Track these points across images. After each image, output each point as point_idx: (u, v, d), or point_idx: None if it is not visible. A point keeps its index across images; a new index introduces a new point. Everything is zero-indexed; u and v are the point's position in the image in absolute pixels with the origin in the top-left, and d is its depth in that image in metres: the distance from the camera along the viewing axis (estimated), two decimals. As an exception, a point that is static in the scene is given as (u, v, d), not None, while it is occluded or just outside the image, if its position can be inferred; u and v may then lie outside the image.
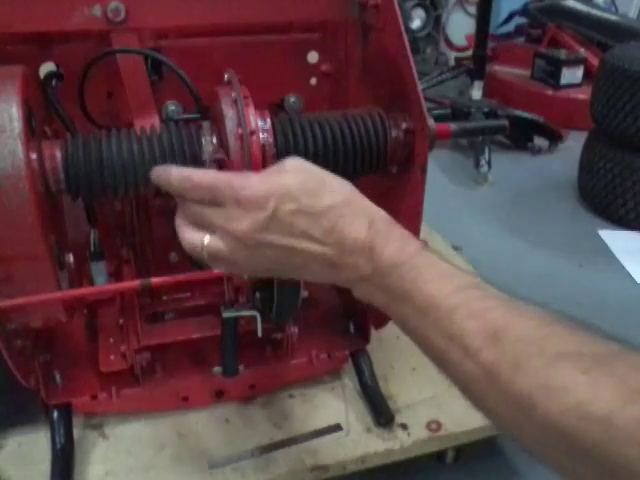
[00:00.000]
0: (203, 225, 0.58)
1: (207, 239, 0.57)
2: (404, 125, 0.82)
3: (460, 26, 3.65)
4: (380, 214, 0.58)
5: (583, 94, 2.61)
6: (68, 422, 0.95)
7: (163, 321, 1.05)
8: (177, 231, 0.61)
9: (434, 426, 1.01)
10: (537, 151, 2.59)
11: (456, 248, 1.56)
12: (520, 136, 2.57)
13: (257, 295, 0.89)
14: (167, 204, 0.89)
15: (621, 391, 0.39)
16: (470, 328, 0.48)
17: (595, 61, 2.67)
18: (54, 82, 0.84)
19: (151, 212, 0.97)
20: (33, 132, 0.70)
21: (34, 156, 0.68)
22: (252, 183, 0.56)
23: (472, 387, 0.49)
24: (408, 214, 0.86)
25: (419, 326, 0.53)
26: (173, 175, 0.59)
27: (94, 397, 0.97)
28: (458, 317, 0.49)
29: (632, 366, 0.41)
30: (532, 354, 0.44)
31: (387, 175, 0.87)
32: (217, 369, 0.92)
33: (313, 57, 0.98)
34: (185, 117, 0.86)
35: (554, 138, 2.58)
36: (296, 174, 0.57)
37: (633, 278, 1.78)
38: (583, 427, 0.39)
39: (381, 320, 1.01)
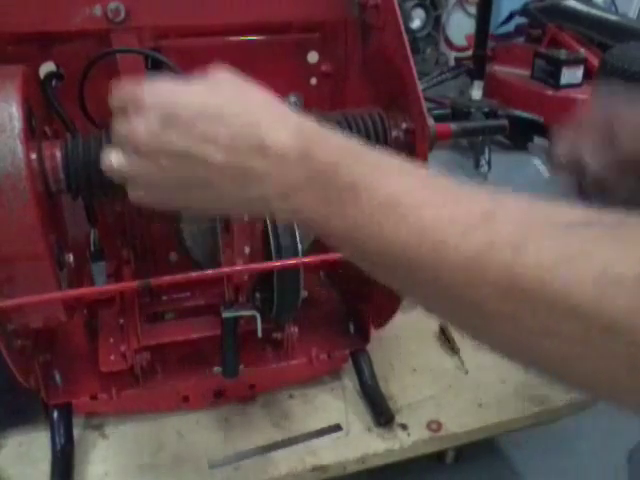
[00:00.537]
0: (118, 145, 0.50)
1: (114, 157, 0.50)
2: (404, 125, 0.82)
3: (460, 26, 3.65)
4: (311, 124, 0.47)
5: (583, 94, 2.61)
6: (68, 422, 0.95)
7: (163, 321, 1.05)
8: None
9: (434, 426, 1.01)
10: (537, 151, 2.59)
11: (456, 248, 1.56)
12: (520, 136, 2.57)
13: (257, 295, 0.89)
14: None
15: None
16: (446, 217, 0.39)
17: (595, 61, 2.67)
18: (54, 82, 0.84)
19: (151, 213, 0.97)
20: (33, 132, 0.70)
21: (34, 156, 0.68)
22: (156, 85, 0.48)
23: (446, 293, 0.39)
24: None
25: (373, 233, 0.41)
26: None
27: (94, 397, 0.97)
28: (430, 210, 0.39)
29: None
30: (535, 231, 0.36)
31: (387, 175, 0.87)
32: (217, 369, 0.92)
33: (313, 57, 0.98)
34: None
35: (554, 138, 2.58)
36: (211, 81, 0.48)
37: (633, 278, 1.78)
38: (612, 293, 0.32)
39: (381, 320, 1.01)
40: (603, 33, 2.94)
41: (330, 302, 1.15)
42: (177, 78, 0.49)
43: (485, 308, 0.37)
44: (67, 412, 0.95)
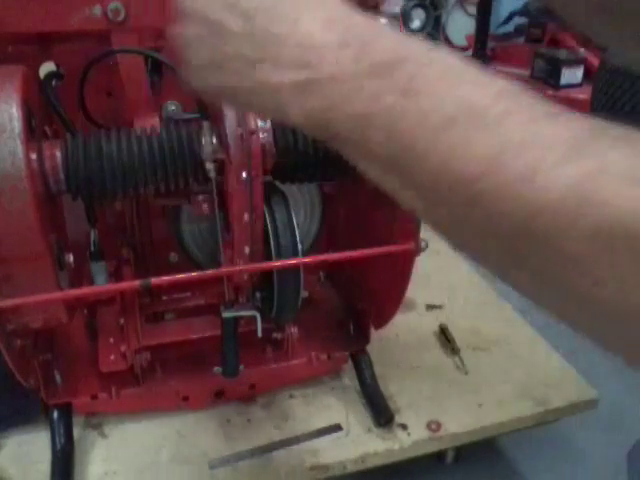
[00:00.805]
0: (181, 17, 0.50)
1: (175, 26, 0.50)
2: (404, 125, 0.82)
3: (460, 26, 3.64)
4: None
5: (583, 94, 2.61)
6: (68, 422, 0.95)
7: (163, 321, 1.05)
8: None
9: (434, 426, 1.01)
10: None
11: (456, 248, 1.56)
12: (520, 136, 2.56)
13: (257, 295, 0.89)
14: (167, 204, 0.90)
15: None
16: (544, 133, 0.32)
17: (595, 61, 2.67)
18: (54, 82, 0.84)
19: (151, 212, 0.97)
20: (33, 132, 0.70)
21: (34, 156, 0.68)
22: None
23: (545, 215, 0.31)
24: (408, 214, 0.86)
25: (442, 143, 0.34)
26: None
27: (94, 397, 0.97)
28: (515, 123, 0.33)
29: None
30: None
31: (387, 175, 0.87)
32: (217, 369, 0.92)
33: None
34: (185, 117, 0.86)
35: (554, 138, 2.58)
36: None
37: (633, 278, 1.78)
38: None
39: (381, 320, 1.01)
40: (603, 33, 2.94)
41: (330, 302, 1.15)
42: None
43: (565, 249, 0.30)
44: (67, 412, 0.95)
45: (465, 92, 0.35)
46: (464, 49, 3.55)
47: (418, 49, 0.37)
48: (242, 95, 0.44)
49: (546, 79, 2.89)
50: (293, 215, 0.83)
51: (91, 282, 0.94)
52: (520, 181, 0.31)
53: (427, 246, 0.88)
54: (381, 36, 0.38)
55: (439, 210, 0.37)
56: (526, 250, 0.33)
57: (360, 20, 0.39)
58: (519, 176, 0.31)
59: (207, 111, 0.82)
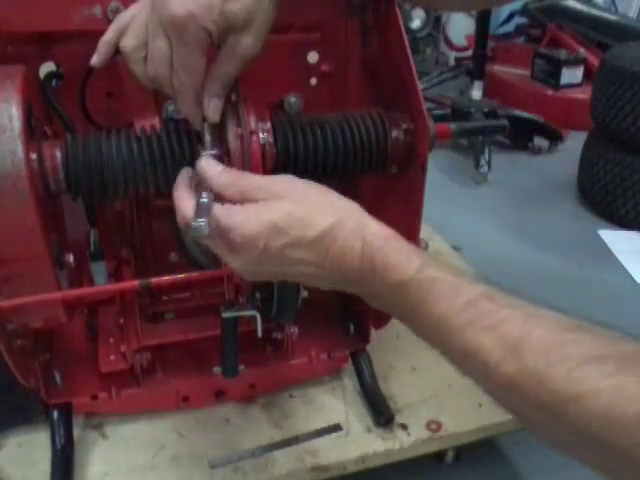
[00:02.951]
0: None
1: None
2: (404, 125, 0.82)
3: (460, 26, 3.64)
4: (374, 230, 0.57)
5: (583, 94, 2.61)
6: (68, 422, 0.95)
7: (163, 321, 1.05)
8: None
9: (434, 426, 1.01)
10: (537, 151, 2.59)
11: (456, 248, 1.56)
12: (520, 136, 2.57)
13: (257, 295, 0.89)
14: (167, 204, 0.89)
15: None
16: (485, 343, 0.47)
17: (595, 61, 2.67)
18: (54, 82, 0.84)
19: (151, 212, 0.97)
20: (33, 132, 0.70)
21: (34, 156, 0.68)
22: (237, 221, 0.55)
23: (495, 395, 0.50)
24: (408, 214, 0.86)
25: (433, 340, 0.53)
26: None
27: (94, 397, 0.97)
28: (471, 333, 0.49)
29: None
30: (555, 363, 0.43)
31: (387, 175, 0.87)
32: (217, 369, 0.92)
33: (313, 57, 0.98)
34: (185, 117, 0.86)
35: (554, 138, 2.58)
36: (283, 203, 0.56)
37: (633, 278, 1.78)
38: (614, 431, 0.39)
39: (381, 320, 1.01)
40: (603, 33, 2.95)
41: (330, 302, 1.15)
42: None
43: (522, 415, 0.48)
44: (67, 412, 0.95)
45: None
46: (464, 49, 3.56)
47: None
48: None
49: (546, 79, 2.89)
50: (293, 215, 0.83)
51: (91, 282, 0.94)
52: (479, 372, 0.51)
53: (427, 246, 0.88)
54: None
55: None
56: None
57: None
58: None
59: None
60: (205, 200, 0.59)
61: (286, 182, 0.59)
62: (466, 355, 0.49)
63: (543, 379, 0.43)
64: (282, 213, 0.55)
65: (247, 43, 0.63)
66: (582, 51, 2.94)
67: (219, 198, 0.60)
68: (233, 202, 0.58)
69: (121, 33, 0.66)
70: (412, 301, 0.53)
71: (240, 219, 0.55)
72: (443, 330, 0.51)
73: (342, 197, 0.59)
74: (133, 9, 0.66)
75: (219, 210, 0.57)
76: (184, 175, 0.66)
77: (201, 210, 0.58)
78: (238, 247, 0.56)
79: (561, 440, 0.45)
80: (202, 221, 0.57)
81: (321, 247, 0.55)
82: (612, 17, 3.06)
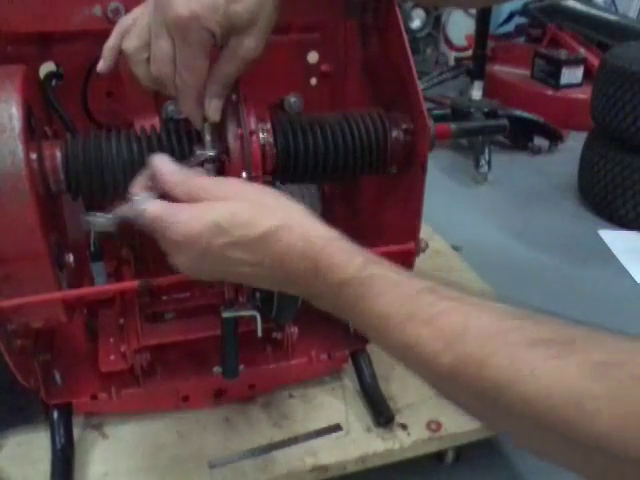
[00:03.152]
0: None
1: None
2: (404, 125, 0.82)
3: (460, 26, 3.64)
4: (318, 232, 0.56)
5: (583, 94, 2.61)
6: (68, 422, 0.95)
7: (163, 321, 1.05)
8: None
9: (434, 426, 1.01)
10: (537, 151, 2.59)
11: (456, 248, 1.56)
12: (520, 136, 2.57)
13: (257, 295, 0.89)
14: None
15: (584, 368, 0.39)
16: (424, 335, 0.47)
17: (595, 61, 2.67)
18: (54, 82, 0.84)
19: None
20: (33, 132, 0.70)
21: (34, 156, 0.68)
22: (181, 220, 0.56)
23: (438, 387, 0.50)
24: (408, 214, 0.86)
25: (376, 336, 0.53)
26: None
27: (94, 397, 0.97)
28: (411, 328, 0.48)
29: (596, 342, 0.40)
30: (496, 350, 0.43)
31: (387, 175, 0.87)
32: (217, 369, 0.92)
33: (313, 57, 0.98)
34: (185, 117, 0.86)
35: (554, 138, 2.58)
36: (227, 204, 0.57)
37: (633, 278, 1.78)
38: (551, 410, 0.39)
39: (381, 320, 1.01)
40: (603, 33, 2.95)
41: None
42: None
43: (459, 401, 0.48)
44: (67, 412, 0.95)
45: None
46: (464, 49, 3.56)
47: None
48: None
49: (546, 79, 2.89)
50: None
51: (91, 282, 0.94)
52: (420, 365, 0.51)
53: (427, 246, 0.88)
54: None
55: None
56: None
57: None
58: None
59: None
60: (137, 198, 0.62)
61: (235, 184, 0.61)
62: (407, 349, 0.49)
63: (483, 367, 0.43)
64: (226, 213, 0.56)
65: (249, 45, 0.63)
66: (582, 51, 2.94)
67: (168, 197, 0.61)
68: (180, 201, 0.59)
69: (124, 37, 0.66)
70: (353, 299, 0.53)
71: (184, 218, 0.56)
72: (384, 326, 0.51)
73: (291, 200, 0.60)
74: (135, 12, 0.66)
75: (165, 207, 0.58)
76: (144, 174, 0.66)
77: (125, 208, 0.63)
78: (181, 245, 0.57)
79: (504, 428, 0.45)
80: (104, 216, 0.63)
81: (263, 247, 0.55)
82: (612, 17, 3.07)
